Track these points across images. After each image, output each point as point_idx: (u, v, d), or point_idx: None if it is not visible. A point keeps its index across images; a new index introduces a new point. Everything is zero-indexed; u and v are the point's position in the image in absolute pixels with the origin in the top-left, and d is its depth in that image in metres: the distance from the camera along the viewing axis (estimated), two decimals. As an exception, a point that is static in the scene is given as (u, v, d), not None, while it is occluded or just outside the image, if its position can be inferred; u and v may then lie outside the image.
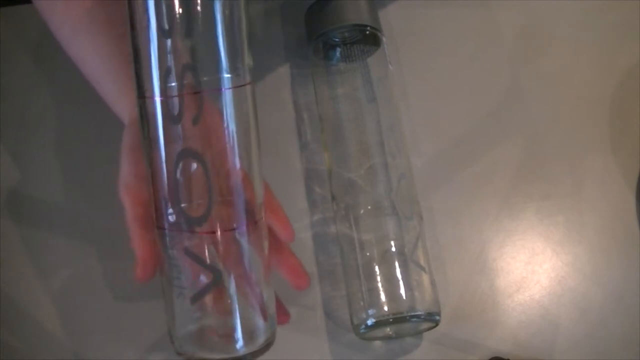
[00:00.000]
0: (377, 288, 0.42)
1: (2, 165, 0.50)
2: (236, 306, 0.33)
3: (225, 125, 0.32)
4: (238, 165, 0.33)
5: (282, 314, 0.40)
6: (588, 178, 0.50)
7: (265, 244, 0.35)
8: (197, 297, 0.33)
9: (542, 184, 0.50)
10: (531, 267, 0.47)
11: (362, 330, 0.42)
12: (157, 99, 0.32)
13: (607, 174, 0.50)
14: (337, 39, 0.49)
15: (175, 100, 0.32)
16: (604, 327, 0.45)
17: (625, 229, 0.48)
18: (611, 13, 0.55)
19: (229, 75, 0.32)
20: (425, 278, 0.43)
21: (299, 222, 0.48)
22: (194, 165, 0.32)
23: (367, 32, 0.49)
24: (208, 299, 0.33)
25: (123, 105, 0.39)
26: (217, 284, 0.33)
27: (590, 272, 0.47)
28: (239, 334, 0.33)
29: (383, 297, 0.42)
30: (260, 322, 0.34)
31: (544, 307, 0.46)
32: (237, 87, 0.33)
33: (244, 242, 0.34)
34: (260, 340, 0.34)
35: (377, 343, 0.45)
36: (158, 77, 0.31)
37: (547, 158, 0.51)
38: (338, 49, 0.49)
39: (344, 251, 0.45)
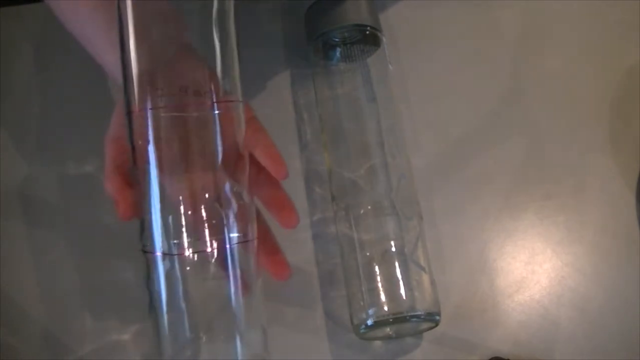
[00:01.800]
0: (377, 288, 0.42)
1: (2, 165, 0.50)
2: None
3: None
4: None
5: (282, 267, 0.40)
6: (588, 178, 0.50)
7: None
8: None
9: (543, 184, 0.50)
10: (531, 267, 0.47)
11: (362, 330, 0.42)
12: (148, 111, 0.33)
13: (607, 174, 0.50)
14: (337, 39, 0.49)
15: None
16: (604, 327, 0.45)
17: (625, 229, 0.48)
18: (611, 13, 0.55)
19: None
20: (425, 278, 0.43)
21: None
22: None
23: (367, 32, 0.49)
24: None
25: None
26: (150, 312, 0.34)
27: (590, 272, 0.47)
28: None
29: (383, 297, 0.42)
30: None
31: (544, 307, 0.46)
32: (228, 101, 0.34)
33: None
34: None
35: (377, 343, 0.45)
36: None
37: (547, 158, 0.51)
38: (338, 49, 0.49)
39: (344, 251, 0.45)
